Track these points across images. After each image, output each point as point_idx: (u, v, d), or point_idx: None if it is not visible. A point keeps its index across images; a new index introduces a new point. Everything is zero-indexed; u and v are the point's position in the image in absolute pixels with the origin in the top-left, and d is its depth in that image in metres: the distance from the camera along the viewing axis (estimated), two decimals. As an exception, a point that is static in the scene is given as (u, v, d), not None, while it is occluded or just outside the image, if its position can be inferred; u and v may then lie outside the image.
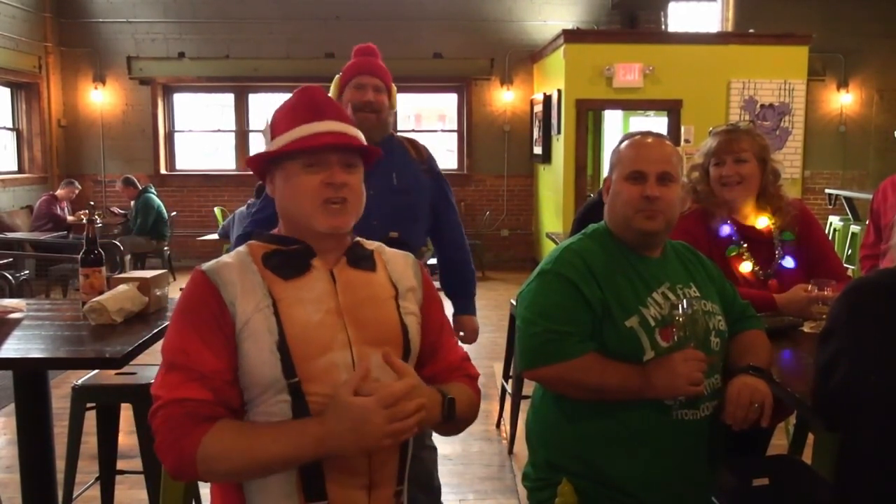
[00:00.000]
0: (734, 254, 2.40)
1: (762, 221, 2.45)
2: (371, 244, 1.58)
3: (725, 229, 2.41)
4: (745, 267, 2.40)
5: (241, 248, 1.50)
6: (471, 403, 1.54)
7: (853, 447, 1.54)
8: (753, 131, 2.48)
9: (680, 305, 1.75)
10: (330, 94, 2.55)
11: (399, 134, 2.70)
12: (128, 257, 7.57)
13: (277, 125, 1.50)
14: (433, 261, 3.00)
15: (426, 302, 1.58)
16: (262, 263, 1.45)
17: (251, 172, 1.61)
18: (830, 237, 7.85)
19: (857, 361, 1.48)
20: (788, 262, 2.42)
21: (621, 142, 1.94)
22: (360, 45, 2.60)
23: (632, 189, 1.81)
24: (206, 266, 1.44)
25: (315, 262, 1.47)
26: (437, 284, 1.86)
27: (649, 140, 1.88)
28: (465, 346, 2.88)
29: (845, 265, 2.65)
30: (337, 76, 2.56)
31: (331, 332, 1.41)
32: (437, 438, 2.68)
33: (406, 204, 2.50)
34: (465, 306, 2.84)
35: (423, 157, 2.64)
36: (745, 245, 2.40)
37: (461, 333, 2.80)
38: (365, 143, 1.51)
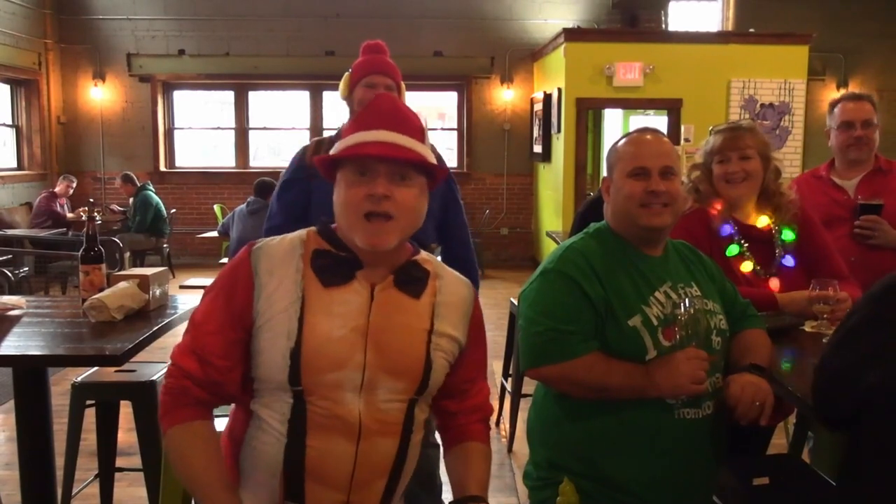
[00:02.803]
0: (735, 253, 2.39)
1: (763, 220, 2.44)
2: (431, 263, 1.53)
3: (726, 228, 2.41)
4: (746, 266, 2.39)
5: (301, 235, 1.47)
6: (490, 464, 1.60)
7: (864, 446, 1.52)
8: (756, 129, 2.47)
9: (682, 304, 1.76)
10: (339, 92, 2.55)
11: None
12: (127, 254, 7.56)
13: (344, 131, 1.50)
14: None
15: (471, 343, 1.55)
16: (310, 260, 1.42)
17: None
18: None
19: None
20: (789, 262, 2.41)
21: (617, 142, 1.95)
22: (368, 42, 2.59)
23: (635, 185, 1.81)
24: (257, 245, 1.44)
25: (359, 274, 1.42)
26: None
27: (648, 136, 1.90)
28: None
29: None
30: (346, 74, 2.54)
31: (349, 351, 1.39)
32: (437, 437, 2.68)
33: None
34: None
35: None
36: (746, 244, 2.40)
37: None
38: (432, 160, 1.44)
